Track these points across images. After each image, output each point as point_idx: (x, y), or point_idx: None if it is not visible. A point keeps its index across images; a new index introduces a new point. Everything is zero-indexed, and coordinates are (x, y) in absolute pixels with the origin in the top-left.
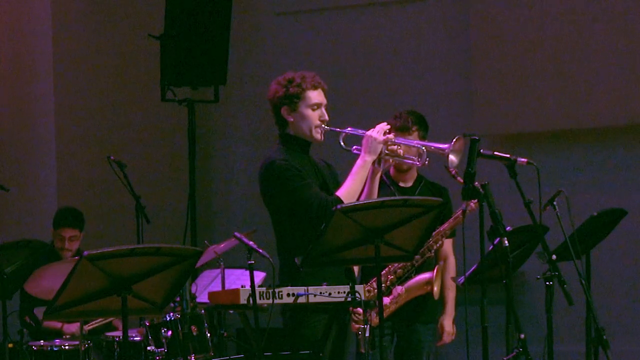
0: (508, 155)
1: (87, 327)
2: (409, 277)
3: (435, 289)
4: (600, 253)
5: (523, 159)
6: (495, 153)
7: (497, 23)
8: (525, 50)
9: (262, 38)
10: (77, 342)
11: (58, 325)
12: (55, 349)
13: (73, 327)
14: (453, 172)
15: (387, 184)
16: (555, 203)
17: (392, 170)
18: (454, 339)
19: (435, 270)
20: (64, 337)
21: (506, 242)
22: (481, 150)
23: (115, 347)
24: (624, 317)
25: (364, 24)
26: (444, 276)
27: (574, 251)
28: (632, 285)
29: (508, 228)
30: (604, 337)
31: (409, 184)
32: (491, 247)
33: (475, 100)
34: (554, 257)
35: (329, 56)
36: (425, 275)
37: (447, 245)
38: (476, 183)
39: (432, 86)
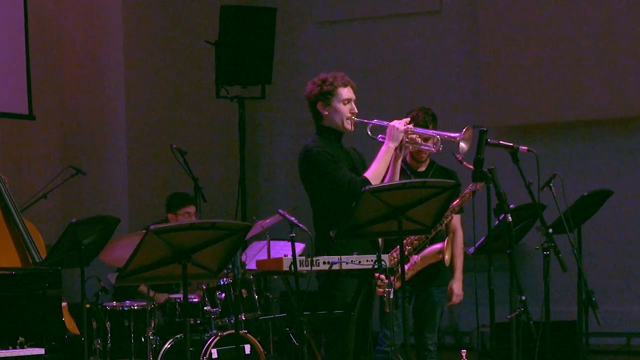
0: (511, 144)
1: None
2: (424, 248)
3: (446, 257)
4: (590, 227)
5: (524, 147)
6: (501, 142)
7: (502, 30)
8: (527, 52)
9: (302, 44)
10: (144, 303)
11: (145, 291)
12: (125, 308)
13: (162, 297)
14: (460, 158)
15: (404, 168)
16: (551, 185)
17: (408, 157)
18: (461, 300)
19: (445, 242)
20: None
21: (510, 218)
22: (488, 140)
23: (177, 307)
24: (610, 281)
25: (389, 31)
26: (453, 246)
27: (567, 225)
28: (617, 254)
29: (511, 206)
30: (593, 298)
31: (423, 169)
32: (497, 222)
33: (483, 97)
34: (550, 230)
35: (359, 58)
36: (437, 246)
37: (456, 220)
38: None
39: (446, 84)
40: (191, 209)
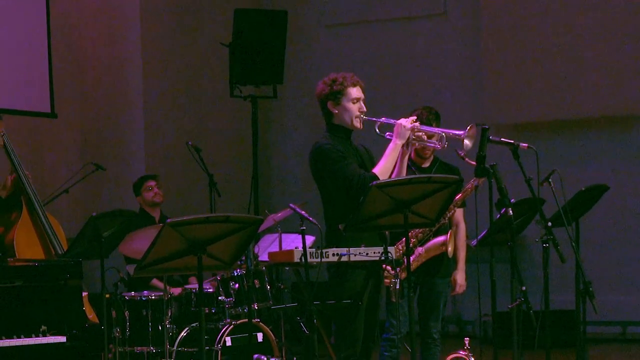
0: (512, 141)
1: None
2: (428, 240)
3: (450, 249)
4: (588, 220)
5: (524, 144)
6: (502, 139)
7: (504, 32)
8: (527, 54)
9: (312, 45)
10: (161, 293)
11: (161, 285)
12: (143, 298)
13: (176, 291)
14: (462, 154)
15: (409, 164)
16: (550, 180)
17: (412, 154)
18: (464, 290)
19: (449, 234)
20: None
21: (511, 211)
22: (490, 137)
23: (193, 297)
24: (606, 272)
25: (395, 33)
26: (456, 239)
27: (565, 219)
28: (614, 246)
29: (512, 200)
30: (590, 289)
31: (427, 165)
32: (498, 215)
33: (486, 96)
34: (549, 224)
35: (366, 59)
36: (441, 238)
37: (459, 213)
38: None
39: (450, 84)
40: (151, 182)
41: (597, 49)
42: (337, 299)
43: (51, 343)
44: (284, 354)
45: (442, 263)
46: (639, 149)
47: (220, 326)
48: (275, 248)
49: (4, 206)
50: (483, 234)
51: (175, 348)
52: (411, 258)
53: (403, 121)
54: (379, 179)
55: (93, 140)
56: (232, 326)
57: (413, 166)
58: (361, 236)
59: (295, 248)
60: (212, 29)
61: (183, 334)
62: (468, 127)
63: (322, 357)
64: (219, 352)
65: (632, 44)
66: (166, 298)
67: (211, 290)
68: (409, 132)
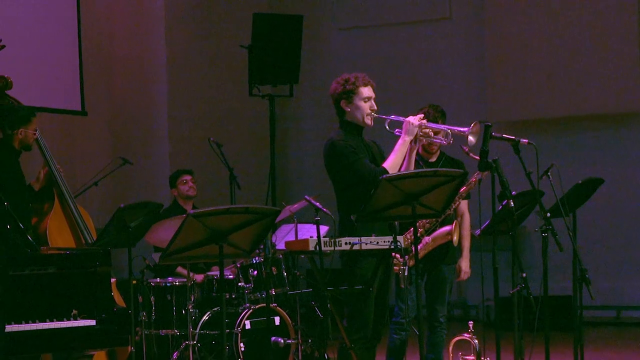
0: (513, 137)
1: None
2: (434, 230)
3: (455, 238)
4: (584, 211)
5: (525, 140)
6: (504, 135)
7: (506, 35)
8: (528, 55)
9: (326, 47)
10: (184, 280)
11: (185, 272)
12: (168, 284)
13: (199, 278)
14: (466, 149)
15: (417, 159)
16: (549, 173)
17: (420, 149)
18: (468, 277)
19: (454, 224)
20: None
21: (512, 203)
22: (493, 133)
23: (214, 283)
24: (602, 260)
25: (404, 36)
26: (461, 228)
27: (563, 210)
28: (608, 235)
29: (513, 192)
30: (587, 275)
31: (433, 159)
32: (500, 207)
33: (489, 95)
34: (548, 214)
35: (377, 60)
36: (447, 228)
37: (463, 205)
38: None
39: (455, 84)
40: (187, 177)
41: (596, 51)
42: (350, 285)
43: (82, 326)
44: (299, 337)
45: (447, 251)
46: (633, 144)
47: (240, 310)
48: (291, 237)
49: (36, 198)
50: (486, 224)
51: (197, 331)
52: (419, 246)
53: (411, 119)
54: (388, 172)
55: (121, 136)
56: (251, 310)
57: (420, 160)
58: (372, 226)
59: (310, 237)
60: (232, 32)
61: (205, 317)
62: (472, 124)
63: (335, 340)
64: (239, 334)
65: (630, 44)
66: (189, 284)
67: (231, 276)
68: (417, 128)
